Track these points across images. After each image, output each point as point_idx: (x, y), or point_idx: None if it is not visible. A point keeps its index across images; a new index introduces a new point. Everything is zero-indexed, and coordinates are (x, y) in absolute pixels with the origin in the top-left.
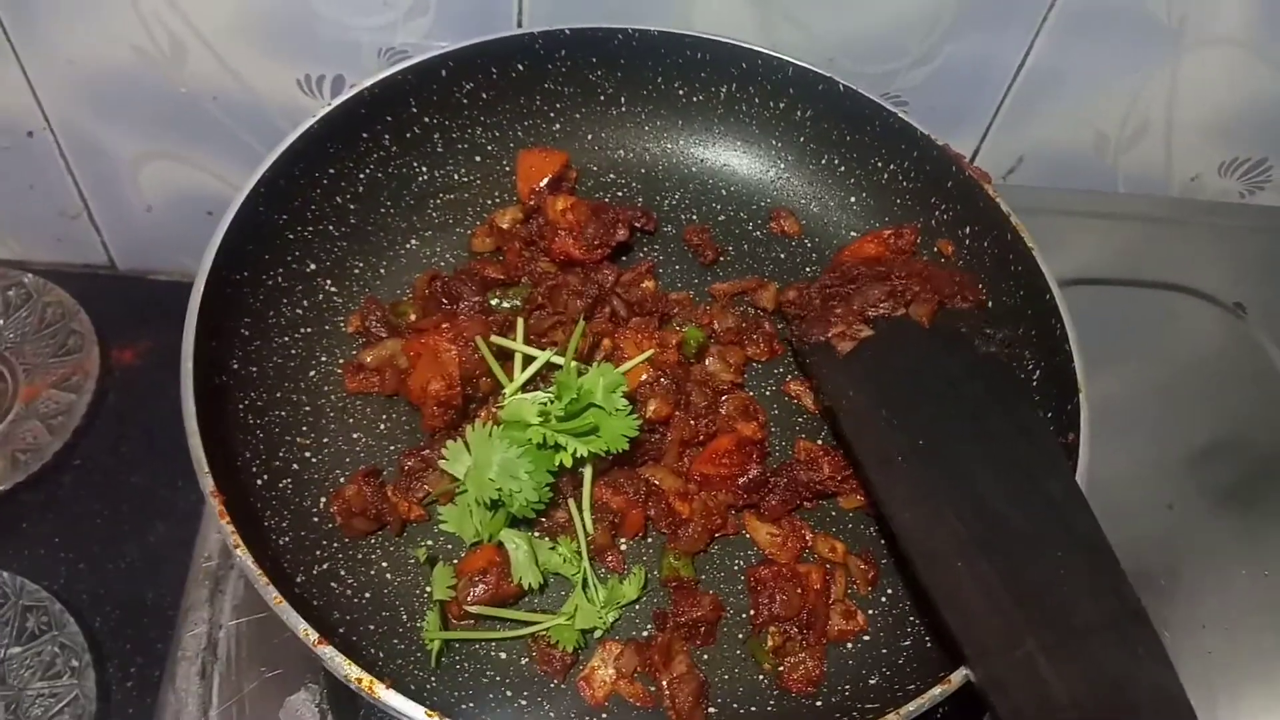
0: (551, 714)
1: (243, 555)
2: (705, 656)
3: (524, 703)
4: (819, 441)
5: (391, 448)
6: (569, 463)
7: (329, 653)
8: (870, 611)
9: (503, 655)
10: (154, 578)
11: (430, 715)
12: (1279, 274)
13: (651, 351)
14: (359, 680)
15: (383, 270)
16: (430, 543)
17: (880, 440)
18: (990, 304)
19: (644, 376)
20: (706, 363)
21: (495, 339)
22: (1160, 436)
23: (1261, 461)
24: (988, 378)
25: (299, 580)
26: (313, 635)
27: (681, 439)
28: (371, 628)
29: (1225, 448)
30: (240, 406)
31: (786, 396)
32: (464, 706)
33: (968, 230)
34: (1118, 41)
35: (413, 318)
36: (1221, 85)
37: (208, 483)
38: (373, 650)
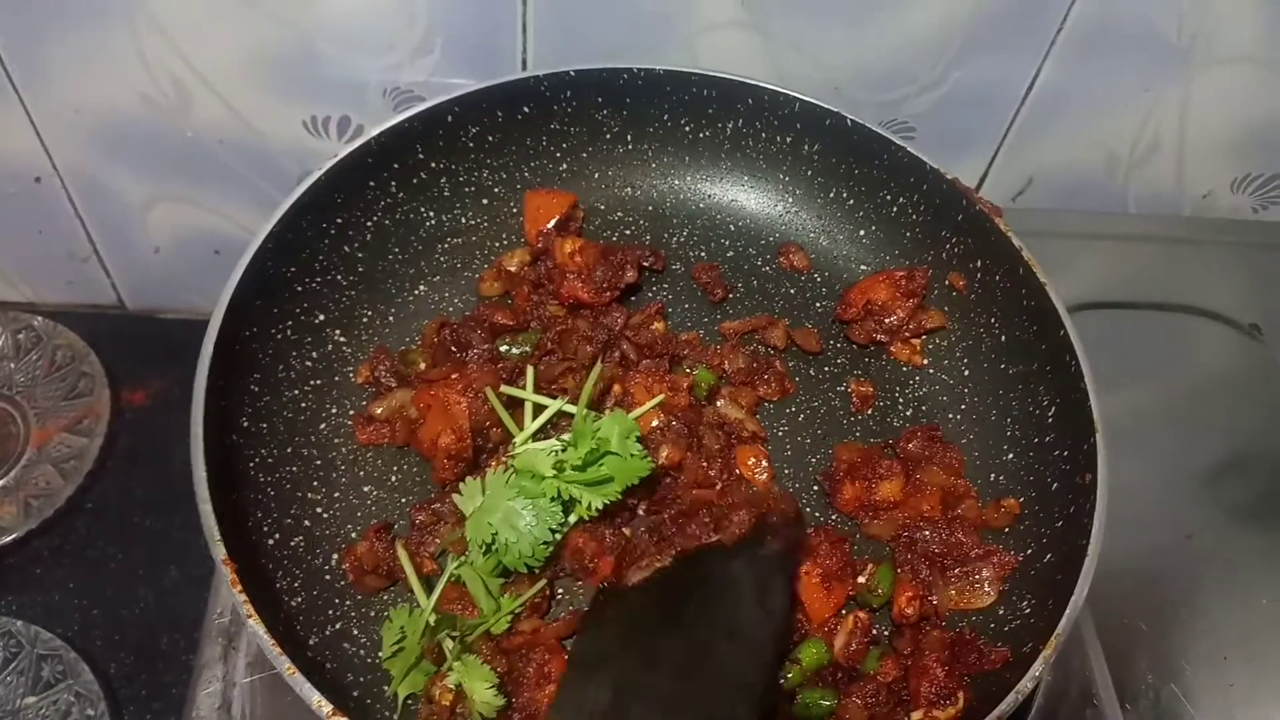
0: None
1: (255, 625)
2: None
3: None
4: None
5: (403, 500)
6: (588, 516)
7: None
8: None
9: None
10: (169, 622)
11: None
12: None
13: (661, 397)
14: None
15: (391, 318)
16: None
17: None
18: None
19: (655, 422)
20: (718, 404)
21: (505, 389)
22: (1177, 461)
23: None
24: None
25: (312, 643)
26: (326, 707)
27: (695, 482)
28: (385, 688)
29: (1242, 470)
30: (251, 465)
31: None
32: None
33: (979, 264)
34: (1127, 62)
35: (422, 366)
36: (1233, 102)
37: (219, 551)
38: (386, 714)
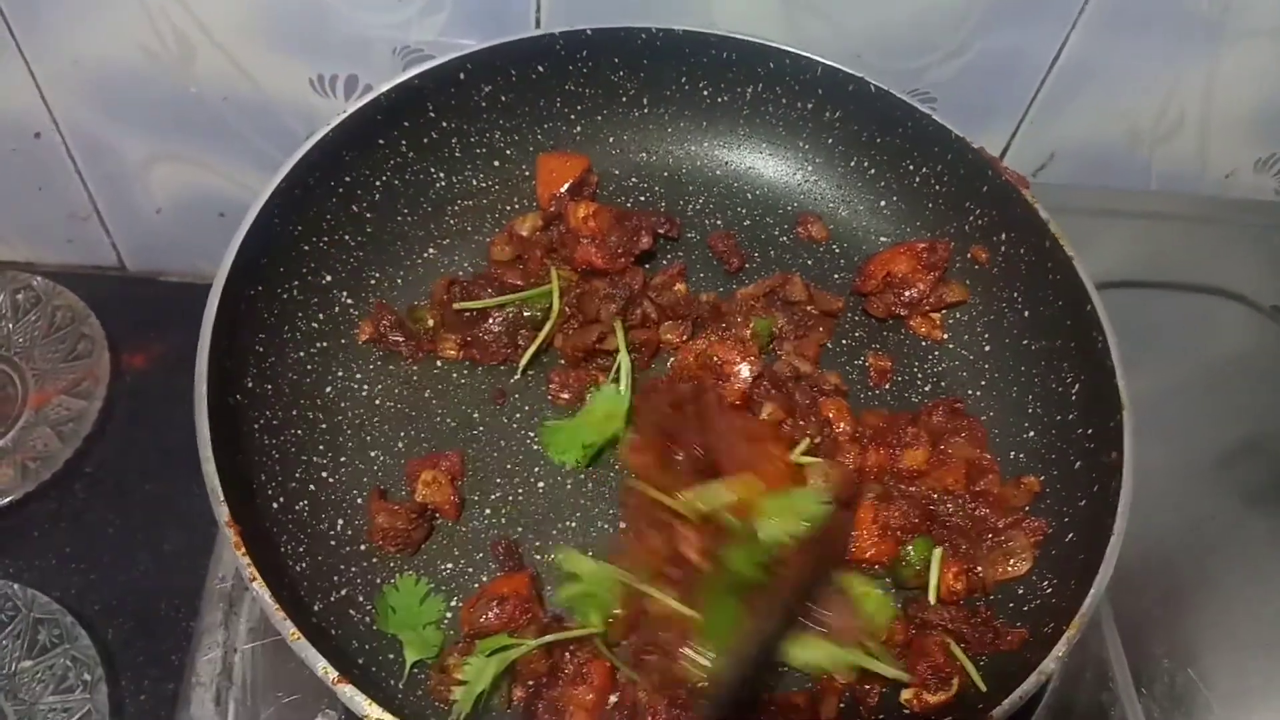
0: None
1: (260, 589)
2: None
3: None
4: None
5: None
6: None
7: (348, 691)
8: None
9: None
10: (168, 588)
11: None
12: None
13: (807, 441)
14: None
15: (400, 280)
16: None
17: None
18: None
19: (747, 378)
20: (785, 358)
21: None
22: (1194, 443)
23: None
24: None
25: (316, 609)
26: (332, 673)
27: (792, 439)
28: (391, 656)
29: (1261, 453)
30: (255, 426)
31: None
32: None
33: (1003, 236)
34: (1155, 34)
35: (430, 324)
36: (1260, 78)
37: (223, 512)
38: (392, 682)
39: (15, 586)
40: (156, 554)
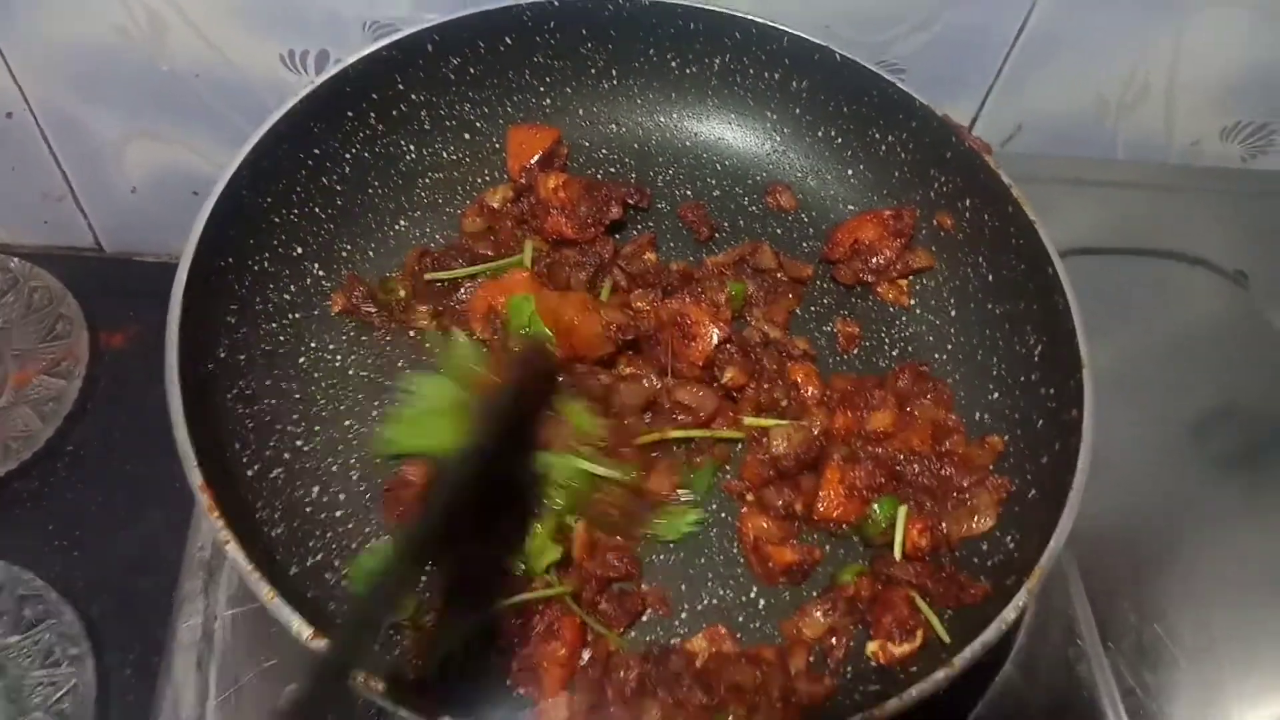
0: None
1: (233, 551)
2: None
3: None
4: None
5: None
6: None
7: (325, 647)
8: None
9: None
10: (150, 564)
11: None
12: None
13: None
14: (355, 677)
15: (371, 252)
16: None
17: None
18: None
19: (714, 342)
20: (755, 323)
21: None
22: (1159, 406)
23: (1266, 429)
24: None
25: (292, 573)
26: (306, 631)
27: (757, 404)
28: None
29: (1224, 416)
30: (229, 396)
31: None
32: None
33: (968, 203)
34: (1119, 5)
35: (402, 294)
36: (1225, 49)
37: (196, 476)
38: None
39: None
40: (138, 530)
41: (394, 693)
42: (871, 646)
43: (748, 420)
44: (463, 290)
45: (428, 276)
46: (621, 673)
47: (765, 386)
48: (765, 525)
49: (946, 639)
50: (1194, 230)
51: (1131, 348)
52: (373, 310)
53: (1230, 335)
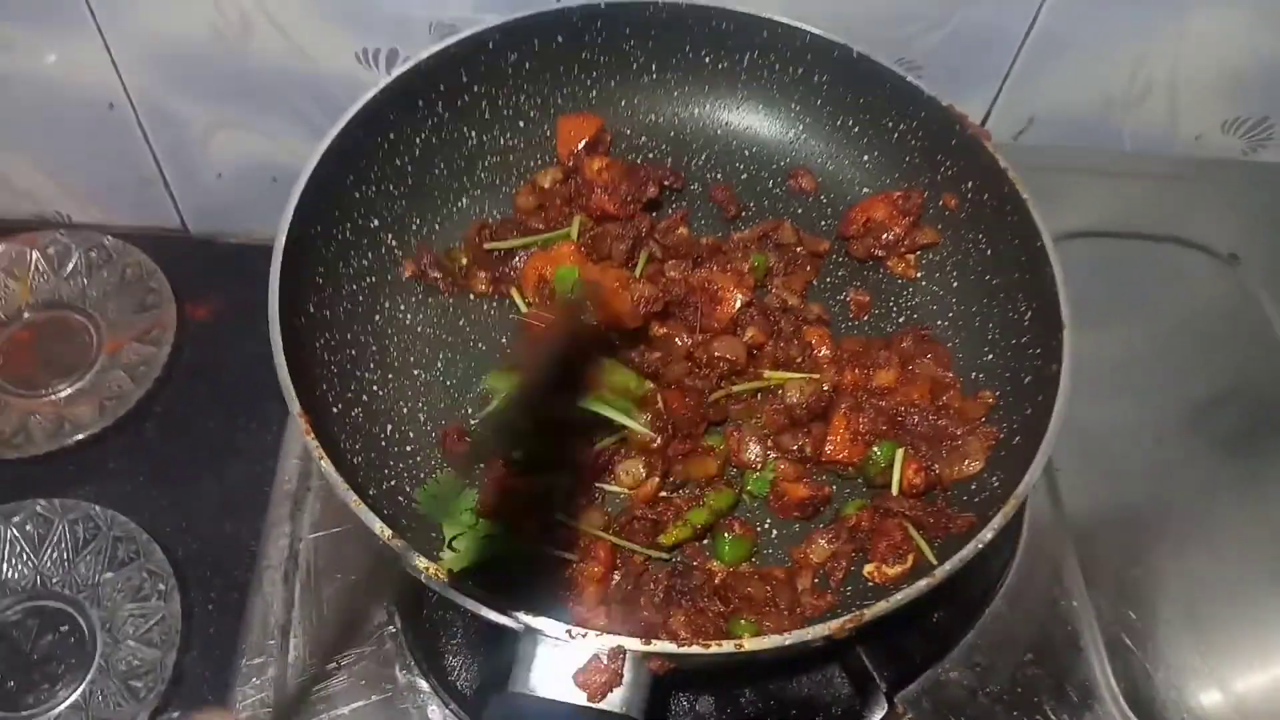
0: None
1: (326, 465)
2: None
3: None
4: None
5: (448, 383)
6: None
7: (400, 544)
8: None
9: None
10: (230, 512)
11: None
12: (1274, 226)
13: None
14: (425, 569)
15: (437, 226)
16: None
17: None
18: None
19: (737, 306)
20: (775, 291)
21: None
22: (1157, 385)
23: (1255, 406)
24: None
25: (371, 493)
26: (386, 532)
27: (775, 361)
28: (434, 535)
29: (1221, 395)
30: (317, 345)
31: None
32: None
33: (970, 185)
34: (1122, 3)
35: (464, 262)
36: (1225, 46)
37: (295, 404)
38: (435, 552)
39: (97, 508)
40: (219, 482)
41: (459, 583)
42: (868, 568)
43: (767, 374)
44: (516, 259)
45: (486, 246)
46: (651, 585)
47: (782, 345)
48: (783, 467)
49: (934, 560)
50: (1192, 217)
51: (1127, 327)
52: (438, 276)
53: (1221, 314)
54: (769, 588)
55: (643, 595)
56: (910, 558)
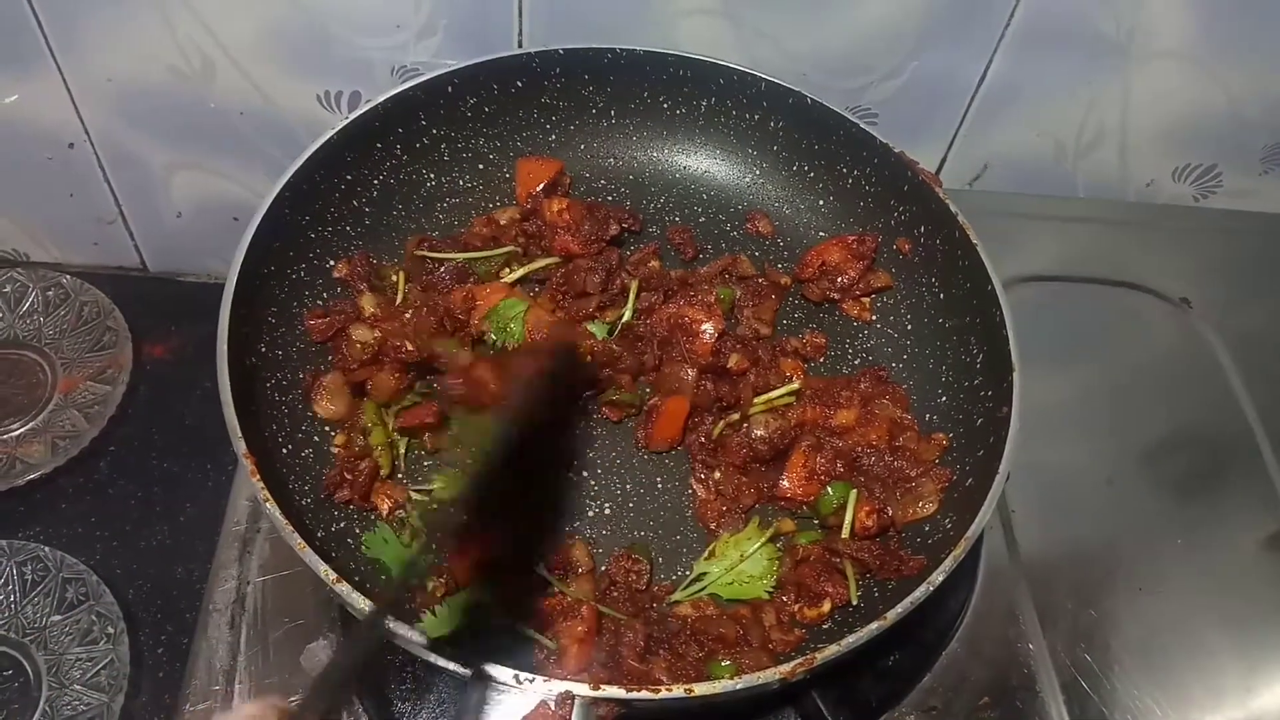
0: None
1: (271, 508)
2: None
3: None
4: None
5: None
6: None
7: (345, 589)
8: None
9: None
10: (182, 554)
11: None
12: (1224, 271)
13: (797, 385)
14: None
15: None
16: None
17: None
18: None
19: (711, 334)
20: (747, 320)
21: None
22: (1109, 427)
23: (1206, 449)
24: None
25: (319, 536)
26: (331, 575)
27: (756, 387)
28: (383, 577)
29: (1173, 438)
30: (268, 385)
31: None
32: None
33: (922, 229)
34: (1071, 56)
35: (394, 278)
36: (1171, 96)
37: (240, 445)
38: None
39: (46, 549)
40: (172, 524)
41: (433, 644)
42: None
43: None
44: (443, 269)
45: (418, 252)
46: (630, 636)
47: (761, 373)
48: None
49: (854, 600)
50: (1144, 261)
51: (1079, 371)
52: (363, 288)
53: (1174, 358)
54: (739, 627)
55: (625, 647)
56: (827, 602)
